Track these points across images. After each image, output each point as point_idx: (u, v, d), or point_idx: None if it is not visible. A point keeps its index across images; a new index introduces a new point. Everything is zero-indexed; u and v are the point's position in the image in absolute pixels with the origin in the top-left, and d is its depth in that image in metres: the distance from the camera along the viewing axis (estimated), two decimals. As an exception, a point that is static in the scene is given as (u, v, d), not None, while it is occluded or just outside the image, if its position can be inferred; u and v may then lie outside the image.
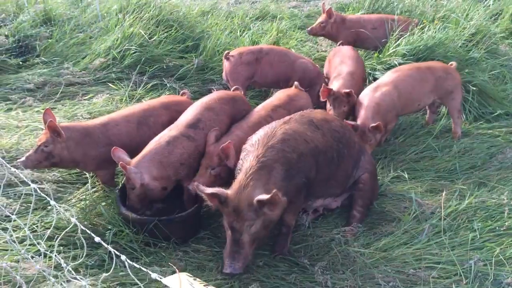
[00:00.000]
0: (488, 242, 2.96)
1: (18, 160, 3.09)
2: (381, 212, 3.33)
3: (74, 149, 3.07)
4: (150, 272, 1.67)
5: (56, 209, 2.10)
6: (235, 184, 2.66)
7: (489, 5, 6.65)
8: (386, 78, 4.01)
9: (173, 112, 3.43)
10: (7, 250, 2.69)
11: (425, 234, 3.02)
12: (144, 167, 2.95)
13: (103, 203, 3.10)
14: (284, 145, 2.78)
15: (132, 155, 3.03)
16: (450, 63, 4.30)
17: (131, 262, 1.68)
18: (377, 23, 5.21)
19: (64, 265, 1.82)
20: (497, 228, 3.06)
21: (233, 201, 2.59)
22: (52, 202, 2.11)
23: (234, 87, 3.82)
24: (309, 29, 5.30)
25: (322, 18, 5.26)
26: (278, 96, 3.69)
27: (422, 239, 2.99)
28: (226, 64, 4.42)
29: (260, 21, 6.76)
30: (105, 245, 1.86)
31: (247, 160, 2.75)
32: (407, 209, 3.29)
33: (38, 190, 2.20)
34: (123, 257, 1.66)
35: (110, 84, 4.67)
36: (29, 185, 2.20)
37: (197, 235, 3.08)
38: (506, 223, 3.09)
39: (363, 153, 3.33)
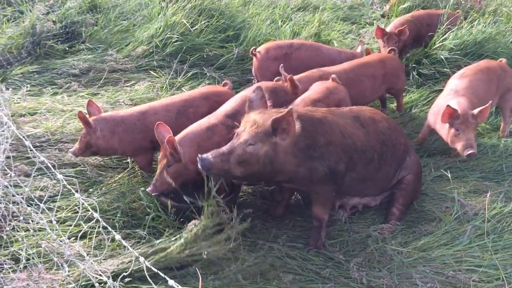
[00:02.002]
0: (534, 248, 2.84)
1: (69, 150, 3.31)
2: (421, 211, 3.24)
3: (109, 137, 3.19)
4: (168, 278, 1.64)
5: (82, 203, 2.15)
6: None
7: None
8: (457, 85, 3.72)
9: (213, 103, 3.44)
10: (45, 230, 2.77)
11: (467, 236, 2.91)
12: (185, 146, 2.97)
13: (142, 188, 3.15)
14: (318, 124, 2.76)
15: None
16: (500, 59, 4.12)
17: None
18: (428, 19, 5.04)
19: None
20: (545, 233, 2.92)
21: (256, 114, 2.68)
22: (77, 195, 2.16)
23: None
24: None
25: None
26: (316, 89, 3.55)
27: (464, 240, 2.89)
28: (254, 61, 4.37)
29: (301, 12, 6.68)
30: (125, 243, 1.80)
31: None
32: (449, 209, 3.18)
33: (64, 181, 2.25)
34: (170, 282, 1.60)
35: (151, 72, 4.75)
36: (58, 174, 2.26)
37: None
38: (555, 229, 2.94)
39: (409, 154, 3.24)
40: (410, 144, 3.38)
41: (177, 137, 2.99)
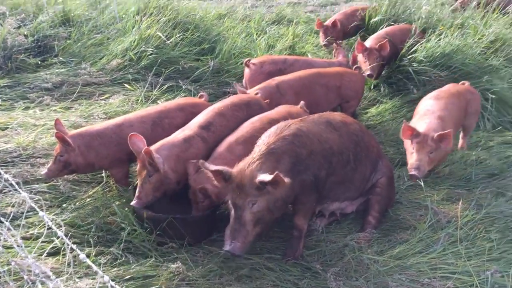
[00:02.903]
0: (506, 253, 2.90)
1: (41, 173, 3.21)
2: (396, 219, 3.28)
3: (87, 153, 3.15)
4: None
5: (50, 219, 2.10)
6: (241, 163, 2.67)
7: (509, 13, 6.56)
8: (434, 105, 3.63)
9: (188, 114, 3.44)
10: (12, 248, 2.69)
11: (440, 243, 2.97)
12: (164, 155, 2.96)
13: (117, 202, 3.11)
14: (295, 139, 2.78)
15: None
16: (463, 82, 4.11)
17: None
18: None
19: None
20: (515, 239, 3.00)
21: (237, 177, 2.60)
22: (41, 213, 2.11)
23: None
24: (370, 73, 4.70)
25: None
26: (278, 110, 3.50)
27: (438, 248, 2.94)
28: (246, 71, 4.38)
29: (276, 25, 6.78)
30: (89, 262, 1.77)
31: (257, 146, 2.77)
32: (423, 217, 3.24)
33: (29, 200, 2.21)
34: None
35: (126, 85, 4.72)
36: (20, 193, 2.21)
37: (210, 237, 3.07)
38: (525, 234, 3.03)
39: (381, 158, 3.31)
40: (381, 149, 3.44)
41: (154, 147, 2.99)
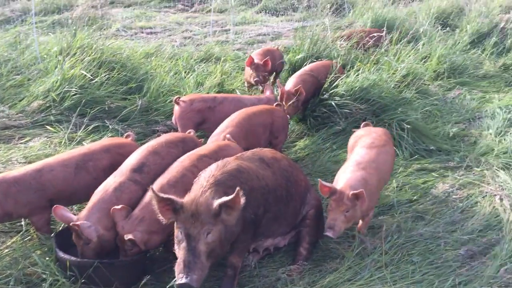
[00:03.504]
0: (427, 275, 3.06)
1: None
2: (326, 249, 3.37)
3: (4, 202, 2.96)
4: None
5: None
6: (191, 193, 2.63)
7: (419, 49, 7.17)
8: (363, 156, 3.48)
9: (115, 155, 3.36)
10: None
11: (368, 270, 3.08)
12: (95, 219, 2.85)
13: (38, 252, 2.94)
14: (239, 174, 2.79)
15: (69, 201, 2.91)
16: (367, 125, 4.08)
17: None
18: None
19: None
20: (434, 260, 3.18)
21: (190, 206, 2.53)
22: None
23: (189, 130, 3.81)
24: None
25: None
26: (207, 145, 3.54)
27: (365, 274, 3.04)
28: (176, 109, 4.40)
29: (204, 62, 6.88)
30: None
31: (201, 178, 2.73)
32: (351, 245, 3.35)
33: None
34: None
35: (48, 127, 4.53)
36: None
37: (140, 281, 2.96)
38: (443, 255, 3.22)
39: (309, 190, 3.41)
40: (309, 181, 3.55)
41: (84, 212, 2.89)
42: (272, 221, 3.06)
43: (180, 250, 2.54)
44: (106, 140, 3.66)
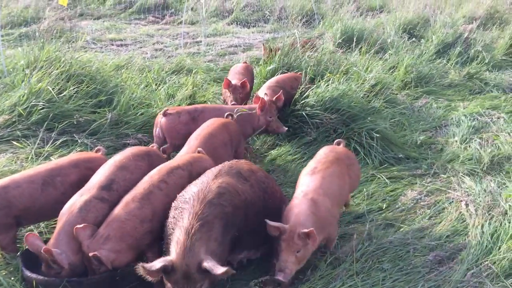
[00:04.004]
0: (397, 282, 3.11)
1: None
2: (298, 260, 3.38)
3: None
4: None
5: None
6: (178, 247, 2.59)
7: (386, 59, 7.35)
8: (308, 184, 3.27)
9: (83, 170, 3.30)
10: None
11: (339, 279, 3.11)
12: (65, 244, 2.79)
13: (3, 272, 2.85)
14: (221, 199, 2.79)
15: (36, 219, 2.84)
16: (337, 141, 3.94)
17: None
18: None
19: None
20: (404, 267, 3.24)
21: (181, 266, 2.53)
22: None
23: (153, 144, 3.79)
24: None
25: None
26: (178, 157, 3.51)
27: (337, 283, 3.07)
28: (163, 121, 4.36)
29: (176, 74, 6.86)
30: None
31: (184, 218, 2.69)
32: (323, 255, 3.37)
33: None
34: None
35: (14, 142, 4.42)
36: None
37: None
38: (412, 262, 3.29)
39: (284, 201, 3.42)
40: (283, 192, 3.57)
41: (54, 239, 2.82)
42: (251, 233, 3.06)
43: None
44: (75, 155, 3.59)
